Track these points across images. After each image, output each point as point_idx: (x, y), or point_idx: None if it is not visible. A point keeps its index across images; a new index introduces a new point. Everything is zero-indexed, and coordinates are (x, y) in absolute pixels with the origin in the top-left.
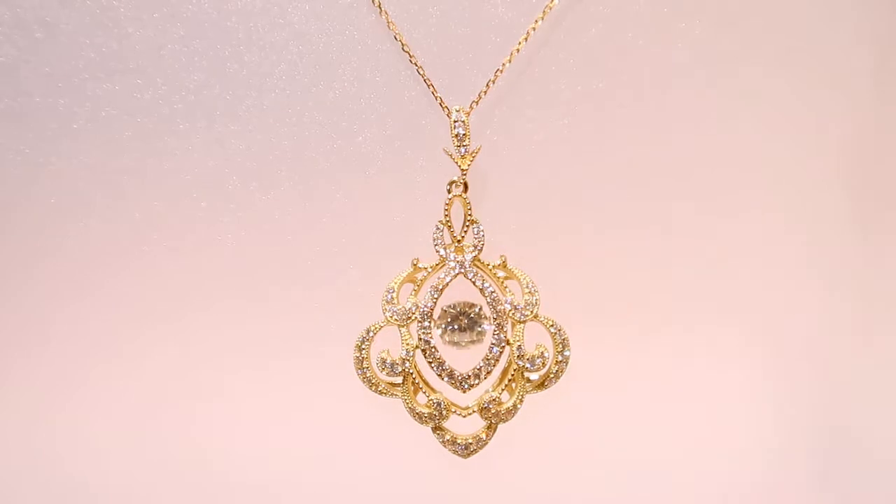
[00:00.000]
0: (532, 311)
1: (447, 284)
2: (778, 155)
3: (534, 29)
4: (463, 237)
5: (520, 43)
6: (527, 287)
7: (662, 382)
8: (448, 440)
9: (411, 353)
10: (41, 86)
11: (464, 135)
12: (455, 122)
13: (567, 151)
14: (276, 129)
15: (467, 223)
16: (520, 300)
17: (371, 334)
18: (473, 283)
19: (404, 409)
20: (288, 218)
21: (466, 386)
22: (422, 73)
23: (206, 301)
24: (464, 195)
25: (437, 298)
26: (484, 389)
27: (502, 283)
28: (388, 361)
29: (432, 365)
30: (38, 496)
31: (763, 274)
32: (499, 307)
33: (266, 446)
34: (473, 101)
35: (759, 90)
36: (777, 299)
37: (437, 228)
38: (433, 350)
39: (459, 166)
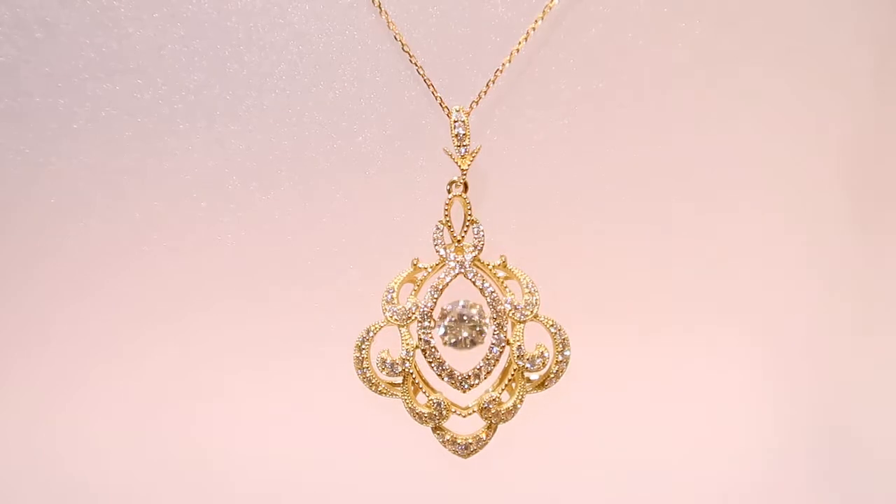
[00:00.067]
0: (532, 311)
1: (447, 284)
2: (778, 155)
3: (534, 29)
4: (463, 237)
5: (520, 43)
6: (527, 287)
7: (662, 382)
8: (448, 440)
9: (411, 353)
10: (41, 86)
11: (464, 135)
12: (455, 122)
13: (567, 151)
14: (276, 129)
15: (467, 223)
16: (520, 300)
17: (371, 334)
18: (473, 283)
19: (404, 409)
20: (288, 218)
21: (466, 386)
22: (422, 73)
23: (206, 301)
24: (464, 195)
25: (437, 298)
26: (484, 389)
27: (502, 283)
28: (388, 361)
29: (432, 365)
30: (38, 496)
31: (763, 274)
32: (499, 307)
33: (266, 446)
34: (473, 101)
35: (759, 90)
36: (777, 299)
37: (437, 228)
38: (433, 350)
39: (459, 166)
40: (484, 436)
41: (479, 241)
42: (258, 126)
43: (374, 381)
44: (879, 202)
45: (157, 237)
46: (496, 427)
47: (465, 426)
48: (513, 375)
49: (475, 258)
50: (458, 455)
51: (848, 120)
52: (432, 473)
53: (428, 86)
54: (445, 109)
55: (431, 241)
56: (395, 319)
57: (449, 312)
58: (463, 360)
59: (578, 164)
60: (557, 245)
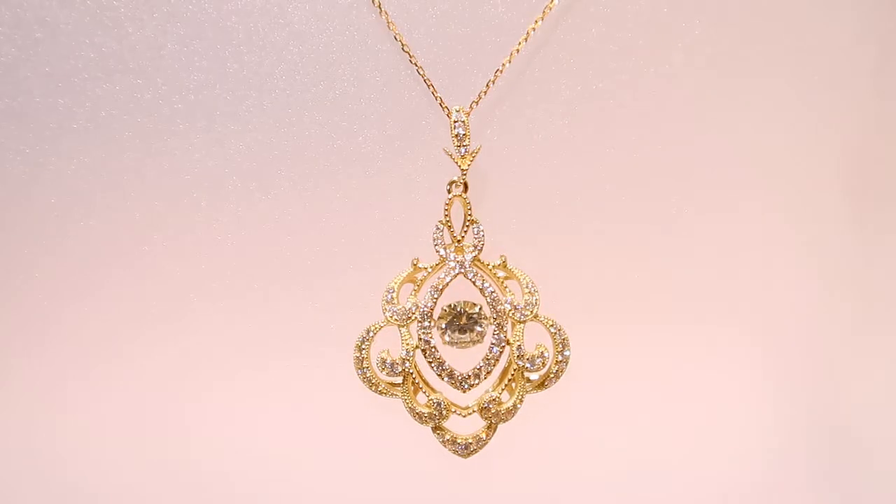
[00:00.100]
0: (532, 311)
1: (447, 284)
2: (778, 155)
3: (534, 29)
4: (463, 237)
5: (520, 43)
6: (527, 287)
7: (662, 382)
8: (448, 440)
9: (411, 353)
10: (41, 86)
11: (464, 135)
12: (455, 122)
13: (567, 151)
14: (276, 129)
15: (467, 223)
16: (520, 300)
17: (371, 334)
18: (473, 283)
19: (404, 409)
20: (288, 218)
21: (466, 386)
22: (422, 73)
23: (206, 301)
24: (464, 195)
25: (437, 298)
26: (484, 389)
27: (502, 283)
28: (388, 361)
29: (432, 365)
30: (38, 496)
31: (763, 274)
32: (499, 307)
33: (266, 446)
34: (473, 101)
35: (759, 90)
36: (777, 299)
37: (437, 228)
38: (433, 350)
39: (459, 166)
40: (484, 436)
41: (479, 241)
42: (258, 126)
43: (374, 381)
44: (879, 202)
45: (157, 237)
46: (496, 427)
47: (465, 426)
48: (513, 375)
49: (475, 258)
50: (458, 455)
51: (848, 120)
52: (432, 473)
53: (428, 86)
54: (445, 109)
55: (431, 241)
56: (395, 319)
57: (449, 312)
58: (463, 360)
59: (578, 163)
60: (557, 245)
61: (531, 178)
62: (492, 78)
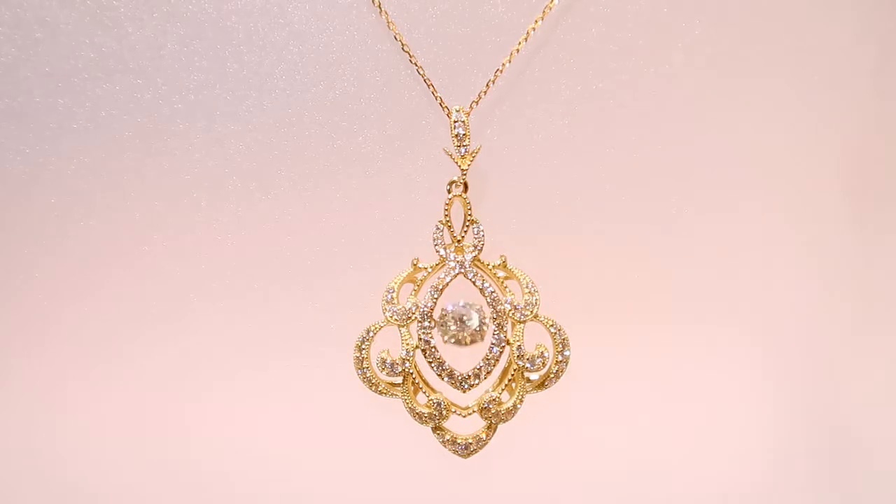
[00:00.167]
0: (532, 311)
1: (447, 284)
2: (778, 155)
3: (534, 29)
4: (463, 237)
5: (520, 43)
6: (527, 287)
7: (662, 382)
8: (448, 440)
9: (411, 353)
10: (41, 86)
11: (464, 135)
12: (455, 122)
13: (567, 151)
14: (276, 129)
15: (467, 223)
16: (520, 300)
17: (371, 334)
18: (473, 283)
19: (404, 409)
20: (288, 218)
21: (466, 386)
22: (422, 73)
23: (206, 301)
24: (464, 195)
25: (437, 298)
26: (484, 389)
27: (502, 283)
28: (388, 361)
29: (432, 365)
30: (38, 496)
31: (763, 274)
32: (499, 307)
33: (266, 446)
34: (473, 101)
35: (759, 90)
36: (777, 299)
37: (437, 228)
38: (433, 350)
39: (459, 166)
40: (484, 436)
41: (479, 241)
42: (258, 126)
43: (374, 381)
44: (879, 202)
45: (157, 237)
46: (496, 427)
47: (465, 426)
48: (513, 375)
49: (475, 258)
50: (458, 455)
51: (848, 120)
52: (432, 473)
53: (428, 86)
54: (445, 109)
55: (431, 241)
56: (395, 319)
57: (449, 313)
58: (463, 360)
59: (578, 163)
60: (557, 245)
61: (531, 178)
62: (492, 78)
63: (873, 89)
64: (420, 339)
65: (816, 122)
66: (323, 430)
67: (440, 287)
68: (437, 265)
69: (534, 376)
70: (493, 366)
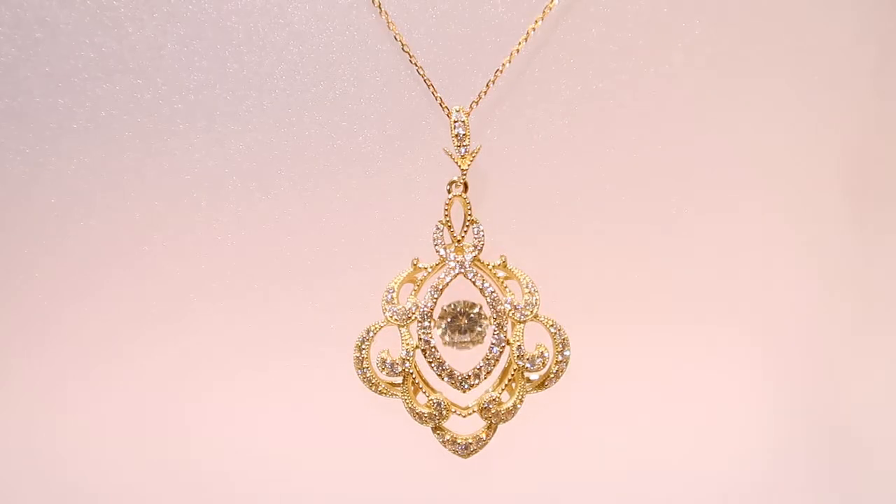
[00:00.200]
0: (532, 311)
1: (447, 284)
2: (778, 155)
3: (534, 29)
4: (463, 237)
5: (520, 43)
6: (527, 287)
7: (662, 382)
8: (448, 440)
9: (411, 353)
10: (41, 86)
11: (464, 135)
12: (455, 122)
13: (567, 151)
14: (276, 129)
15: (467, 223)
16: (520, 300)
17: (371, 334)
18: (473, 283)
19: (404, 409)
20: (288, 218)
21: (466, 386)
22: (422, 73)
23: (206, 301)
24: (464, 195)
25: (437, 298)
26: (484, 389)
27: (502, 283)
28: (388, 361)
29: (432, 365)
30: (38, 496)
31: (763, 274)
32: (499, 307)
33: (266, 446)
34: (473, 101)
35: (759, 90)
36: (777, 299)
37: (437, 228)
38: (433, 350)
39: (459, 166)
40: (484, 436)
41: (479, 241)
42: (258, 126)
43: (374, 381)
44: (879, 202)
45: (157, 237)
46: (496, 427)
47: (465, 426)
48: (513, 375)
49: (475, 258)
50: (458, 455)
51: (848, 120)
52: (432, 473)
53: (428, 86)
54: (445, 109)
55: (431, 241)
56: (395, 319)
57: (449, 313)
58: (463, 360)
59: (578, 163)
60: (557, 245)
61: (531, 178)
62: (492, 78)
63: (873, 89)
64: (420, 339)
65: (816, 122)
66: (323, 430)
67: (440, 287)
68: (437, 265)
69: (534, 376)
70: (493, 366)
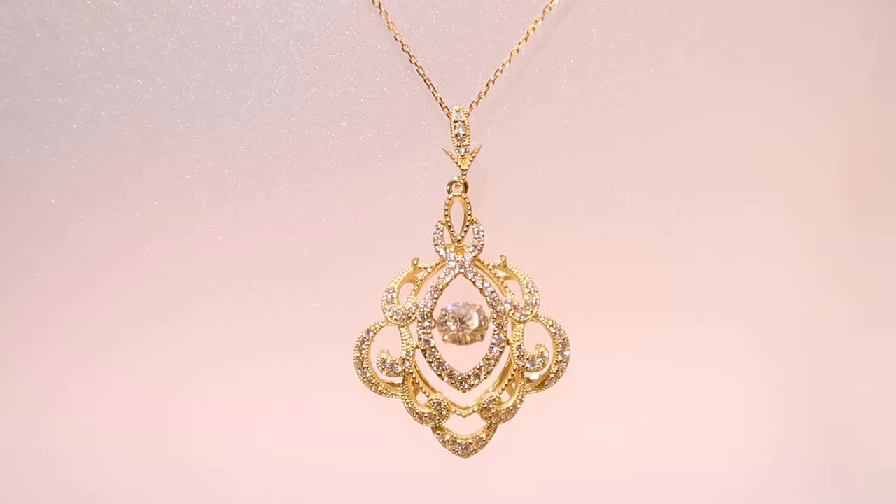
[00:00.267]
0: (532, 311)
1: (447, 284)
2: (778, 155)
3: (534, 29)
4: (463, 237)
5: (520, 43)
6: (527, 287)
7: (662, 382)
8: (448, 440)
9: (411, 353)
10: (41, 86)
11: (464, 135)
12: (455, 122)
13: (567, 151)
14: (276, 129)
15: (467, 223)
16: (520, 300)
17: (371, 334)
18: (473, 283)
19: (404, 409)
20: (288, 218)
21: (466, 386)
22: (422, 73)
23: (206, 301)
24: (464, 195)
25: (437, 298)
26: (484, 389)
27: (502, 283)
28: (388, 361)
29: (432, 365)
30: (38, 496)
31: (763, 274)
32: (499, 307)
33: (266, 446)
34: (473, 101)
35: (759, 90)
36: (777, 299)
37: (437, 228)
38: (433, 350)
39: (459, 166)
40: (484, 436)
41: (479, 241)
42: (258, 126)
43: (374, 381)
44: (879, 202)
45: (157, 237)
46: (496, 427)
47: (465, 426)
48: (513, 375)
49: (475, 258)
50: (458, 455)
51: (848, 120)
52: (432, 473)
53: (428, 86)
54: (445, 109)
55: (431, 241)
56: (395, 319)
57: (449, 313)
58: (463, 360)
59: (578, 163)
60: (557, 245)
61: (531, 178)
62: (492, 78)
63: (873, 89)
64: (420, 339)
65: (816, 122)
66: (323, 430)
67: (440, 287)
68: (437, 265)
69: (534, 376)
70: (493, 366)
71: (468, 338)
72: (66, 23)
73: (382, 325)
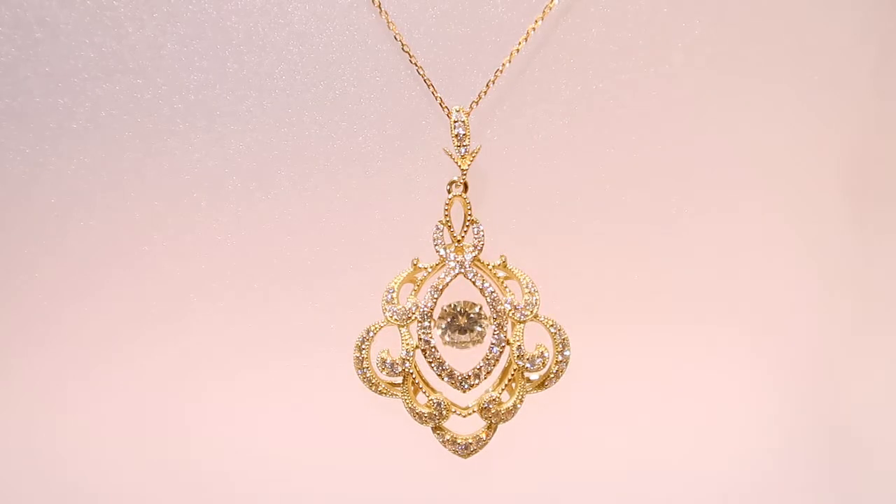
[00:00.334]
0: (532, 311)
1: (447, 284)
2: (778, 155)
3: (534, 29)
4: (463, 237)
5: (520, 43)
6: (527, 287)
7: (662, 382)
8: (448, 440)
9: (411, 353)
10: (41, 86)
11: (464, 135)
12: (455, 122)
13: (567, 151)
14: (276, 129)
15: (467, 223)
16: (520, 300)
17: (371, 334)
18: (473, 283)
19: (404, 409)
20: (288, 218)
21: (466, 386)
22: (422, 73)
23: (206, 301)
24: (464, 195)
25: (437, 298)
26: (484, 389)
27: (502, 283)
28: (388, 361)
29: (432, 365)
30: (38, 496)
31: (763, 274)
32: (499, 307)
33: (266, 446)
34: (473, 101)
35: (759, 90)
36: (777, 299)
37: (437, 228)
38: (433, 350)
39: (459, 166)
40: (484, 436)
41: (479, 241)
42: (258, 126)
43: (374, 381)
44: (879, 202)
45: (157, 237)
46: (496, 427)
47: (465, 426)
48: (513, 375)
49: (475, 258)
50: (458, 455)
51: (848, 120)
52: (432, 473)
53: (428, 86)
54: (445, 109)
55: (431, 241)
56: (395, 319)
57: (449, 313)
58: (463, 360)
59: (578, 163)
60: (557, 245)
61: (531, 178)
62: (492, 78)
63: (873, 89)
64: (420, 339)
65: (816, 122)
66: (323, 430)
67: (440, 287)
68: (437, 265)
69: (534, 376)
70: (493, 366)
71: (469, 343)
72: (66, 23)
73: (382, 325)
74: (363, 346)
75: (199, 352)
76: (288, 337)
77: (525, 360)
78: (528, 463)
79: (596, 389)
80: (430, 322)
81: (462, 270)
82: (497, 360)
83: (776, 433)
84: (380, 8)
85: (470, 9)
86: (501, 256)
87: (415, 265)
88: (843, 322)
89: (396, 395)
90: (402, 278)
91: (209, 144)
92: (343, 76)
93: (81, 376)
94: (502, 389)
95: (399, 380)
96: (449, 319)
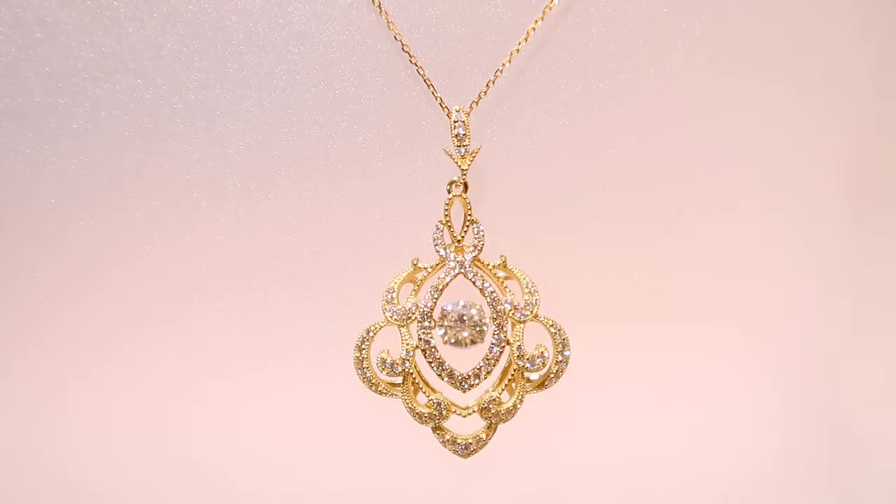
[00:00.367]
0: (532, 311)
1: (447, 284)
2: (778, 155)
3: (534, 29)
4: (463, 237)
5: (520, 43)
6: (527, 287)
7: (662, 382)
8: (448, 440)
9: (411, 353)
10: (41, 86)
11: (464, 135)
12: (455, 122)
13: (567, 151)
14: (276, 129)
15: (467, 223)
16: (520, 300)
17: (371, 334)
18: (473, 283)
19: (404, 409)
20: (288, 218)
21: (466, 386)
22: (422, 73)
23: (206, 301)
24: (464, 195)
25: (437, 298)
26: (484, 389)
27: (502, 283)
28: (388, 361)
29: (432, 365)
30: (38, 496)
31: (763, 274)
32: (499, 307)
33: (266, 446)
34: (473, 101)
35: (759, 90)
36: (777, 299)
37: (437, 228)
38: (433, 350)
39: (459, 166)
40: (484, 436)
41: (479, 241)
42: (258, 126)
43: (374, 381)
44: (879, 202)
45: (157, 237)
46: (496, 427)
47: (465, 426)
48: (513, 375)
49: (475, 258)
50: (458, 455)
51: (848, 120)
52: (432, 473)
53: (428, 86)
54: (445, 109)
55: (431, 241)
56: (395, 319)
57: (449, 313)
58: (463, 360)
59: (578, 163)
60: (557, 245)
61: (531, 178)
62: (492, 78)
63: (873, 89)
64: (420, 339)
65: (816, 122)
66: (323, 430)
67: (440, 287)
68: (437, 265)
69: (534, 376)
70: (493, 366)
71: (468, 339)
72: (66, 23)
73: (382, 325)
74: (363, 346)
75: (199, 352)
76: (288, 337)
77: (525, 360)
78: (528, 463)
79: (596, 389)
80: (430, 322)
81: (462, 270)
82: (497, 360)
83: (776, 433)
84: (380, 8)
85: (470, 9)
86: (501, 256)
87: (415, 265)
88: (843, 322)
89: (396, 395)
90: (402, 278)
91: (209, 144)
92: (343, 76)
93: (81, 376)
94: (502, 389)
95: (399, 380)
96: (449, 319)
